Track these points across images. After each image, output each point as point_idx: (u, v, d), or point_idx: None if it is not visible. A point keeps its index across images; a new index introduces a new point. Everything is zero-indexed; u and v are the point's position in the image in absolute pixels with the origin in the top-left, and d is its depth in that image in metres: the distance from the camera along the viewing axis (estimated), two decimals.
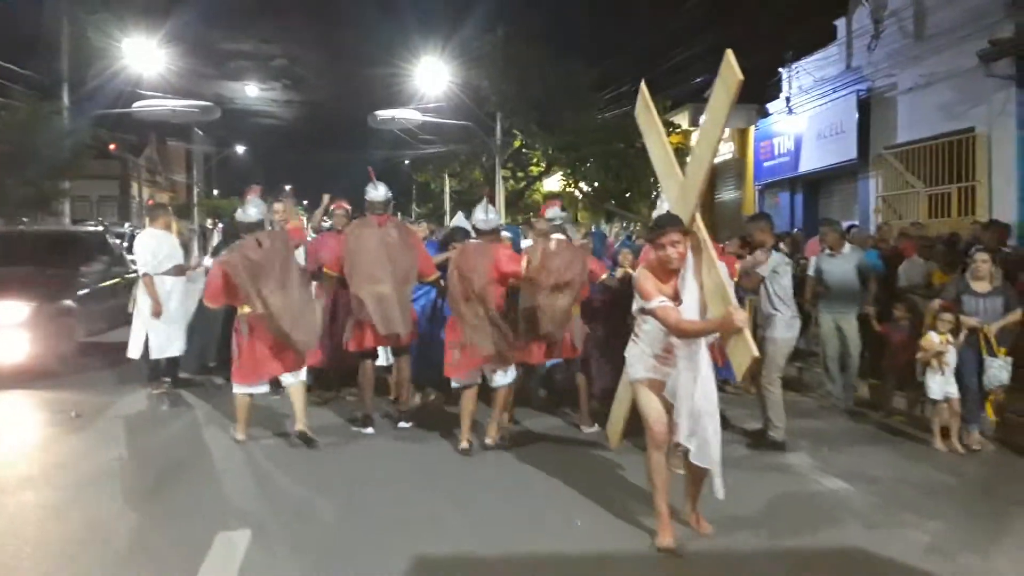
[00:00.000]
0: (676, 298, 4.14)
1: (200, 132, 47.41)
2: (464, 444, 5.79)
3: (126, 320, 8.50)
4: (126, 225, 19.67)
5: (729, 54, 4.33)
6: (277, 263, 5.89)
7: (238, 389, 6.01)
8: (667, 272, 4.17)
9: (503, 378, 5.95)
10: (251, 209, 6.16)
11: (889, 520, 4.63)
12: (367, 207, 6.61)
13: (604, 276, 6.56)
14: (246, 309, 5.89)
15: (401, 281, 6.28)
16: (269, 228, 6.53)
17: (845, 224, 9.67)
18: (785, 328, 6.14)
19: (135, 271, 8.64)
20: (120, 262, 11.18)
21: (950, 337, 6.39)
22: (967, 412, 6.34)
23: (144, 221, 9.97)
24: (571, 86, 18.37)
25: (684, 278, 4.21)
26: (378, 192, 6.54)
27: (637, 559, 4.02)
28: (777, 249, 6.57)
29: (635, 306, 4.31)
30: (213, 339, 8.22)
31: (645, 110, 5.61)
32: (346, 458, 5.74)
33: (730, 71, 4.33)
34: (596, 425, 6.42)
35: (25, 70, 20.76)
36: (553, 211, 6.62)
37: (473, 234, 6.29)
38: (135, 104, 23.40)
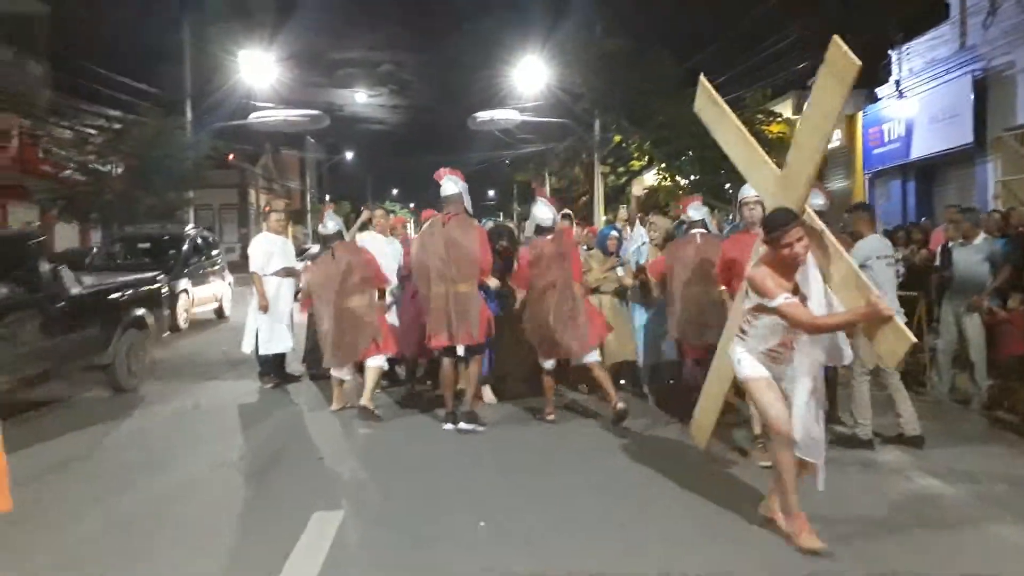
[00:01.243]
0: (796, 293, 3.99)
1: (312, 140, 49.46)
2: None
3: None
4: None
5: (837, 39, 4.04)
6: (340, 274, 6.82)
7: (332, 372, 7.16)
8: (787, 269, 3.98)
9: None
10: (329, 223, 7.22)
11: (983, 517, 4.46)
12: (441, 204, 6.58)
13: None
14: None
15: (463, 279, 6.27)
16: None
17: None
18: None
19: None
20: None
21: None
22: None
23: (261, 226, 10.58)
24: (660, 79, 18.17)
25: (804, 273, 4.03)
26: (446, 187, 6.47)
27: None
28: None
29: (747, 304, 4.16)
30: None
31: (710, 104, 5.30)
32: (430, 449, 5.98)
33: (841, 57, 4.02)
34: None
35: (152, 87, 22.30)
36: (694, 208, 6.86)
37: (535, 231, 6.73)
38: (251, 116, 24.74)
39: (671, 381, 7.43)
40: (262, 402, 7.84)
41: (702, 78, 5.40)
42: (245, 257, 11.03)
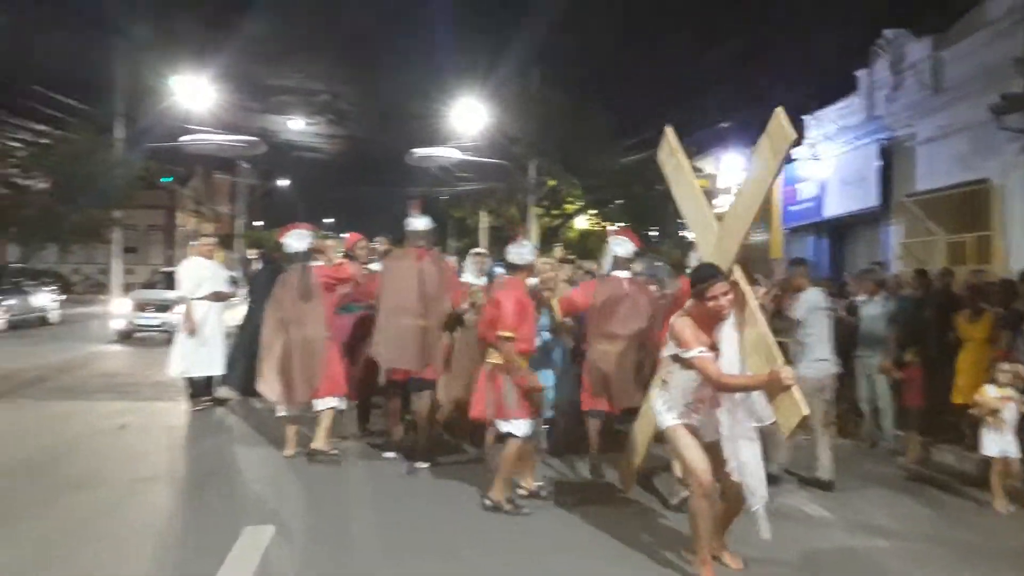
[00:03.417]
0: (714, 348, 4.06)
1: (246, 165, 48.90)
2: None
3: None
4: None
5: (779, 112, 4.24)
6: (300, 298, 6.33)
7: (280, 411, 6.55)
8: (709, 322, 4.08)
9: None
10: (295, 242, 6.57)
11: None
12: (408, 238, 6.47)
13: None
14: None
15: (429, 315, 6.17)
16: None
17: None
18: (810, 368, 6.09)
19: None
20: None
21: (1011, 392, 5.83)
22: None
23: (187, 250, 10.66)
24: (592, 130, 19.01)
25: (721, 329, 4.13)
26: (420, 223, 6.42)
27: None
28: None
29: (666, 352, 4.24)
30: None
31: (671, 155, 5.36)
32: (363, 474, 6.14)
33: (779, 130, 4.22)
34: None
35: (83, 104, 21.94)
36: (620, 243, 6.32)
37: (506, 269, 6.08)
38: (183, 138, 24.46)
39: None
40: (191, 424, 7.88)
41: (668, 129, 5.42)
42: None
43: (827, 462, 6.15)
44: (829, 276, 14.20)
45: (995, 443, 5.79)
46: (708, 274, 4.11)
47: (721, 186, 20.46)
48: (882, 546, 4.97)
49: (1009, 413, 5.80)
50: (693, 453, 4.08)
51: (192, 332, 8.40)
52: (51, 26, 24.73)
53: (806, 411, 3.93)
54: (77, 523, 4.80)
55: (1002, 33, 11.57)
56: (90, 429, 7.52)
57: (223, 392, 8.89)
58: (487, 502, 5.23)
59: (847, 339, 7.81)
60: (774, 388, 3.95)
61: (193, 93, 24.00)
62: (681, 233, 19.31)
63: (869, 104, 15.55)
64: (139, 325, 15.35)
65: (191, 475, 6.02)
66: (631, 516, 5.26)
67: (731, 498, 4.19)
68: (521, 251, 5.61)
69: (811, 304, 6.31)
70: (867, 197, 15.25)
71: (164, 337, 13.85)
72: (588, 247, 20.77)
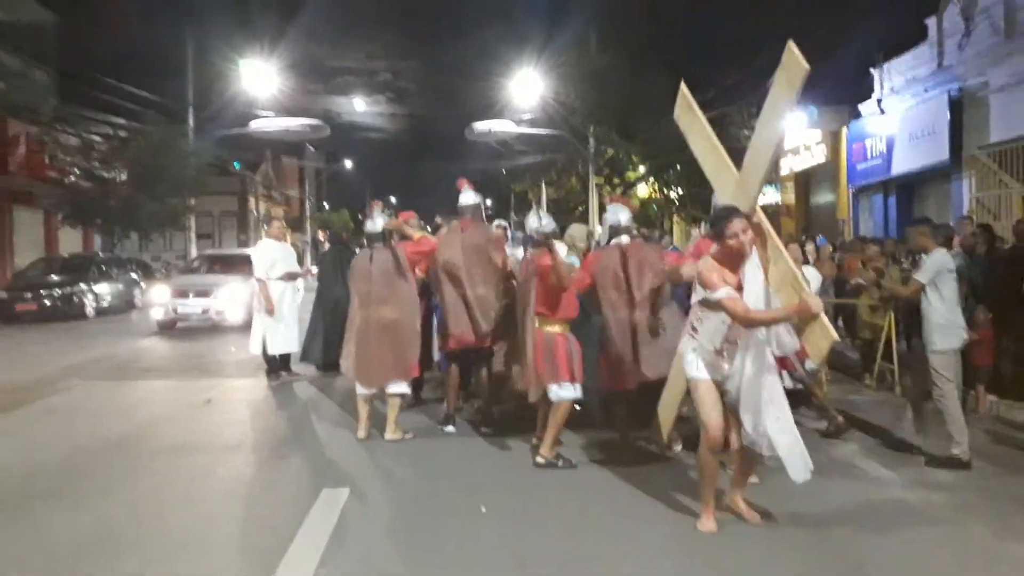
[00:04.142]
0: (739, 289, 4.13)
1: (312, 148, 50.02)
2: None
3: None
4: None
5: (791, 45, 4.24)
6: (382, 278, 6.29)
7: (359, 390, 6.41)
8: (733, 264, 4.16)
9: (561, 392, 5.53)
10: (377, 219, 6.59)
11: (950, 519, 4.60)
12: (458, 214, 6.76)
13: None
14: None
15: (478, 284, 6.36)
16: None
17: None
18: (946, 338, 5.65)
19: None
20: None
21: None
22: None
23: (261, 233, 11.21)
24: (649, 95, 18.79)
25: (746, 269, 4.20)
26: (465, 197, 6.71)
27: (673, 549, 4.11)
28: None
29: (695, 298, 4.36)
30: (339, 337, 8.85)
31: (687, 111, 5.46)
32: (428, 442, 6.39)
33: (793, 62, 4.22)
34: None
35: (156, 96, 22.80)
36: (614, 209, 6.19)
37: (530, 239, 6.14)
38: (252, 124, 25.22)
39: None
40: (270, 398, 8.36)
41: (683, 86, 5.53)
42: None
43: (962, 437, 5.55)
44: (897, 236, 13.90)
45: None
46: (725, 213, 4.21)
47: (788, 147, 20.08)
48: (936, 500, 4.98)
49: None
50: (710, 409, 4.21)
51: (270, 312, 8.85)
52: (121, 19, 25.72)
53: (835, 337, 4.03)
54: (171, 487, 5.25)
55: None
56: (179, 404, 8.07)
57: (300, 368, 9.36)
58: (539, 459, 5.52)
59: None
60: (803, 316, 4.04)
61: (259, 79, 24.65)
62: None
63: (939, 53, 15.00)
64: (181, 313, 14.88)
65: (272, 443, 6.45)
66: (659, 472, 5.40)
67: (744, 451, 4.30)
68: (542, 223, 5.88)
69: (939, 266, 5.65)
70: (937, 151, 14.77)
71: (208, 325, 14.63)
72: (650, 215, 20.66)
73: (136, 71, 23.32)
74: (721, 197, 5.04)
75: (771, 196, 21.09)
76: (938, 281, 5.61)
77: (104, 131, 23.27)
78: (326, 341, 9.06)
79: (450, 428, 6.58)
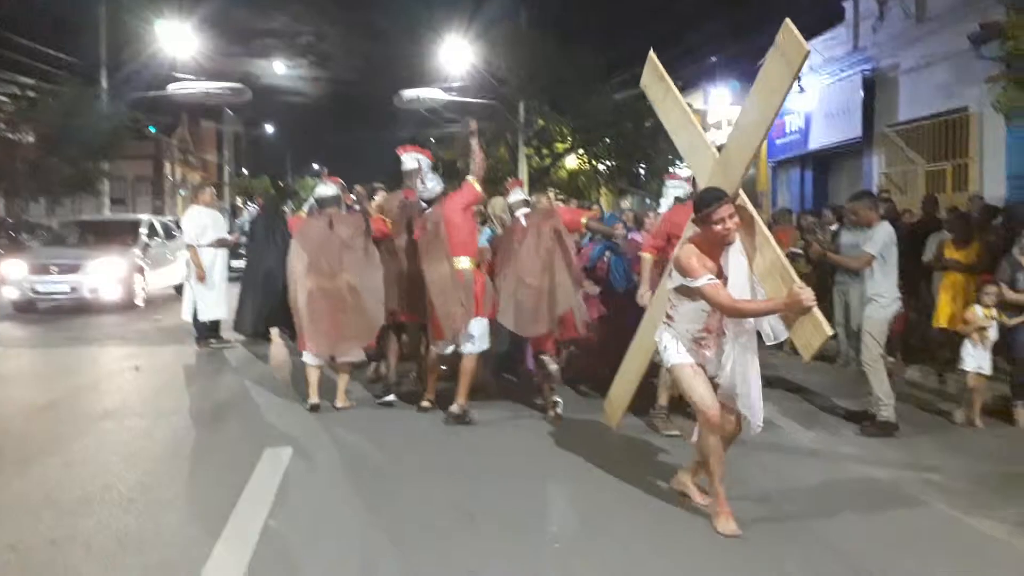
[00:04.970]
0: (720, 276, 3.90)
1: (231, 112, 48.47)
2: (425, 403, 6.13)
3: None
4: None
5: (788, 23, 4.01)
6: (342, 244, 6.08)
7: (307, 359, 6.22)
8: (715, 251, 3.92)
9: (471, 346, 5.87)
10: (329, 186, 6.43)
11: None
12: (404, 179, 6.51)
13: (584, 219, 6.50)
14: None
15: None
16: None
17: None
18: (890, 307, 5.90)
19: None
20: None
21: (995, 312, 6.18)
22: (1017, 388, 6.22)
23: (184, 201, 11.01)
24: (580, 71, 19.06)
25: (729, 256, 3.96)
26: (406, 163, 6.40)
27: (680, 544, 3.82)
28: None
29: (671, 284, 4.07)
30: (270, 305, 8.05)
31: (657, 80, 5.14)
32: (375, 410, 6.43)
33: (792, 41, 4.00)
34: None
35: (68, 56, 21.75)
36: (515, 192, 6.48)
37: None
38: (169, 87, 24.28)
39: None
40: (202, 364, 8.29)
41: (651, 53, 5.18)
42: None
43: (889, 400, 5.76)
44: (812, 208, 14.56)
45: (973, 359, 6.13)
46: (713, 197, 3.92)
47: (711, 121, 20.63)
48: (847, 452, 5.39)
49: (993, 332, 6.17)
50: (701, 391, 3.96)
51: (201, 278, 8.74)
52: None
53: (829, 332, 3.76)
54: (112, 448, 5.24)
55: None
56: (107, 371, 7.93)
57: (230, 336, 9.27)
58: (454, 409, 5.83)
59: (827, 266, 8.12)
60: (794, 310, 3.78)
61: (177, 39, 23.77)
62: (671, 169, 19.54)
63: (855, 35, 15.66)
64: (41, 293, 12.34)
65: (210, 407, 6.44)
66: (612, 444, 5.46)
67: (727, 433, 4.06)
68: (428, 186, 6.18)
69: (887, 238, 5.85)
70: (851, 128, 15.48)
71: (75, 305, 12.35)
72: (578, 186, 20.98)
73: (46, 28, 22.18)
74: (698, 177, 4.85)
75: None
76: (884, 253, 5.83)
77: (10, 91, 22.08)
78: (256, 310, 9.01)
79: (390, 398, 6.45)
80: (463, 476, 4.76)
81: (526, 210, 6.28)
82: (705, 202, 3.91)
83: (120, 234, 13.83)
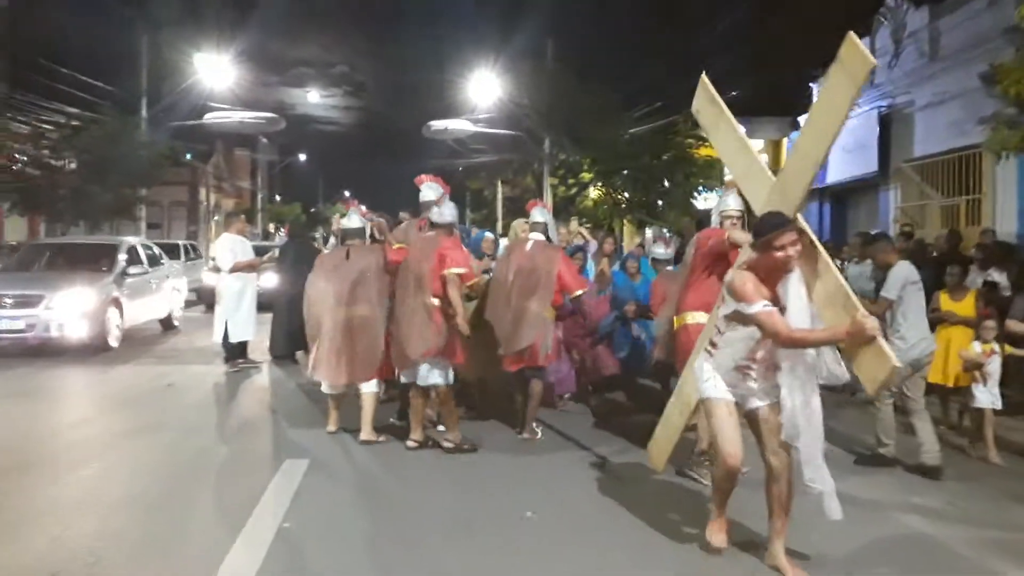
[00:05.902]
0: (776, 304, 3.72)
1: (264, 140, 49.67)
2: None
3: None
4: None
5: (852, 36, 3.81)
6: (360, 275, 6.09)
7: (326, 388, 6.31)
8: (772, 278, 3.75)
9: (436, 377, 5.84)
10: (353, 217, 6.46)
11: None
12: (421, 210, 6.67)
13: (579, 292, 6.39)
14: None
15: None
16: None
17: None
18: (915, 348, 5.62)
19: None
20: None
21: (995, 346, 6.09)
22: None
23: (217, 227, 11.58)
24: (599, 105, 19.52)
25: (788, 285, 3.77)
26: (424, 194, 6.61)
27: None
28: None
29: (723, 311, 3.91)
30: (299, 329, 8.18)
31: (710, 103, 4.96)
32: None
33: (856, 54, 3.79)
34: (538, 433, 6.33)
35: (109, 86, 22.70)
36: (536, 211, 6.63)
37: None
38: (206, 116, 25.16)
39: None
40: (229, 383, 8.74)
41: (703, 77, 5.03)
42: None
43: (932, 446, 5.55)
44: (829, 240, 14.78)
45: (985, 395, 6.06)
46: (777, 222, 3.72)
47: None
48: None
49: (992, 366, 6.10)
50: (729, 433, 3.82)
51: (254, 267, 9.53)
52: (76, 7, 25.48)
53: (896, 363, 3.51)
54: (143, 460, 5.68)
55: (993, 3, 11.98)
56: (142, 388, 8.39)
57: (256, 356, 9.74)
58: (447, 444, 5.88)
59: None
60: (856, 341, 3.56)
61: (214, 70, 24.64)
62: (691, 200, 19.80)
63: (871, 72, 15.91)
64: None
65: (235, 423, 6.93)
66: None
67: (779, 475, 3.79)
68: (442, 212, 6.20)
69: (905, 278, 5.67)
70: (867, 163, 15.72)
71: (32, 346, 10.13)
72: (601, 216, 21.36)
73: (90, 60, 23.15)
74: (753, 203, 4.62)
75: (711, 202, 22.03)
76: (904, 294, 5.64)
77: (56, 120, 23.04)
78: (286, 333, 9.51)
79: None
80: (461, 489, 5.10)
81: (538, 235, 6.42)
82: (768, 227, 3.74)
83: (94, 260, 11.57)
